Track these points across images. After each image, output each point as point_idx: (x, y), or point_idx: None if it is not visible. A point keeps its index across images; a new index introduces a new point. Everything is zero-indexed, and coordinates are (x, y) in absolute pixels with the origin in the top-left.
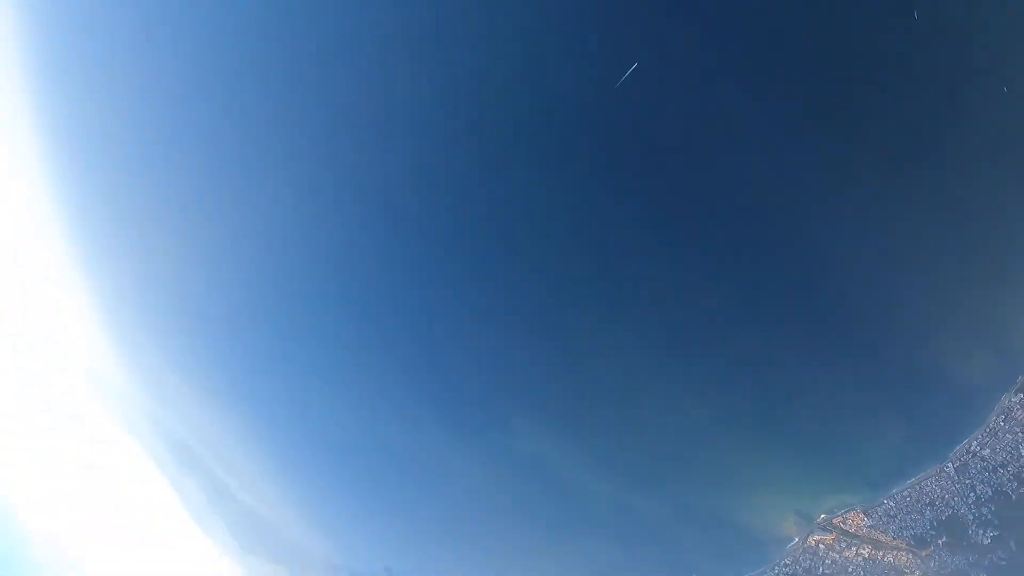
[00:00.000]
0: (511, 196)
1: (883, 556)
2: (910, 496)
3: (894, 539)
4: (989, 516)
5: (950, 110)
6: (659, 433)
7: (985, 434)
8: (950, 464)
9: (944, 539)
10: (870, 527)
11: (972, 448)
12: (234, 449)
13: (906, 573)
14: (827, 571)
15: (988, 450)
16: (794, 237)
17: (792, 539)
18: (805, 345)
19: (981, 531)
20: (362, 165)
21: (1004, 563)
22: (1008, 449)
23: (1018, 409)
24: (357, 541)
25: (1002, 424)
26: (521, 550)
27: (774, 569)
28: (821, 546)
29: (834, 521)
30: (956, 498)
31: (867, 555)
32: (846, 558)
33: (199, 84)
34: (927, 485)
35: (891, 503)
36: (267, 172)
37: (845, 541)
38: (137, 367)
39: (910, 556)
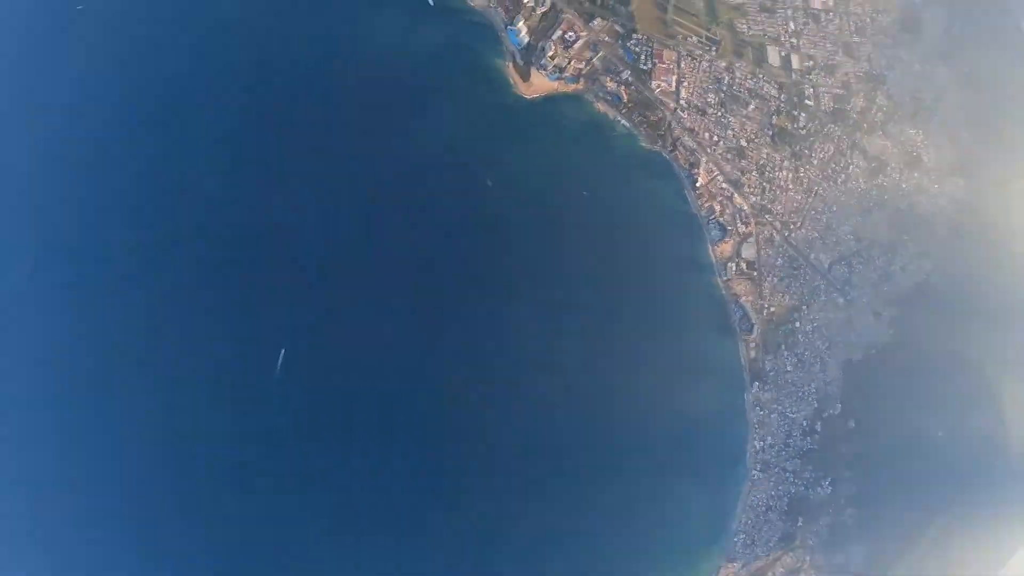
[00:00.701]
0: None
1: (775, 574)
2: (748, 519)
3: (768, 556)
4: (812, 475)
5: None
6: None
7: (757, 429)
8: (754, 471)
9: (800, 521)
10: (743, 567)
11: (757, 447)
12: None
13: (800, 568)
14: None
15: (769, 438)
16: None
17: None
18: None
19: (819, 489)
20: None
21: (854, 490)
22: (778, 424)
23: (762, 393)
24: None
25: (761, 412)
26: None
27: None
28: None
29: None
30: (780, 487)
31: None
32: None
33: None
34: (752, 498)
35: (741, 535)
36: None
37: None
38: None
39: (790, 556)
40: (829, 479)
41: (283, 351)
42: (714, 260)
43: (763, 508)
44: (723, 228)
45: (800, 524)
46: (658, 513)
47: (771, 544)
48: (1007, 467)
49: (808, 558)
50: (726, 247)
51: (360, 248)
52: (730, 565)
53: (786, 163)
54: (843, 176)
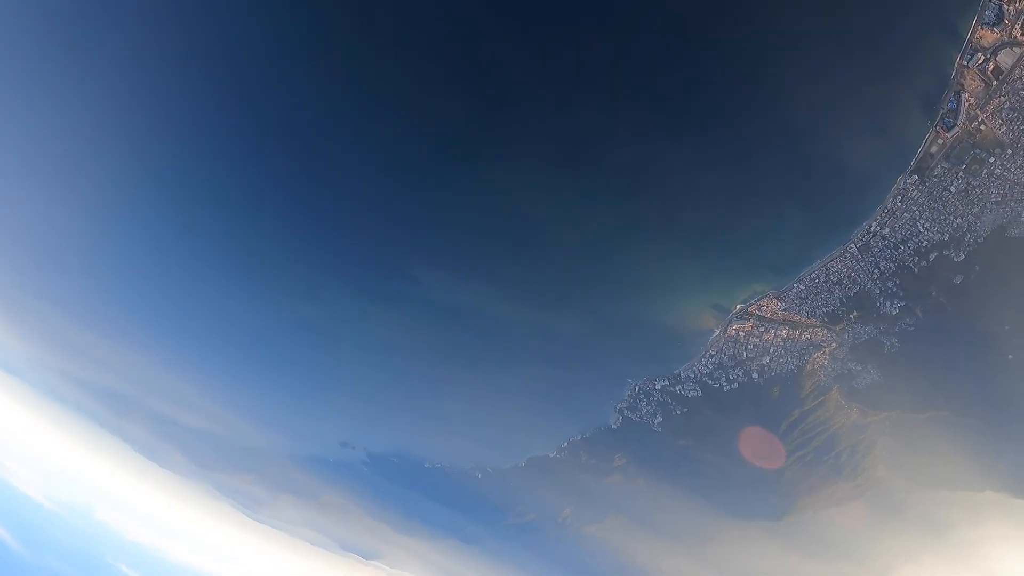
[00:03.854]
0: None
1: (800, 335)
2: (818, 278)
3: (808, 318)
4: (895, 289)
5: None
6: (562, 251)
7: (883, 214)
8: (853, 245)
9: (855, 313)
10: (784, 310)
11: (872, 228)
12: (160, 376)
13: (823, 347)
14: (750, 355)
15: (888, 229)
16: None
17: (713, 331)
18: (693, 144)
19: (888, 303)
20: None
21: (912, 329)
22: (907, 227)
23: (913, 189)
24: (306, 427)
25: (899, 204)
26: (461, 393)
27: (701, 361)
28: (741, 333)
29: (750, 309)
30: (862, 275)
31: (785, 335)
32: (766, 341)
33: None
34: (833, 266)
35: (801, 286)
36: None
37: (763, 326)
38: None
39: (825, 332)
40: (903, 304)
41: None
42: (968, 39)
43: (835, 280)
44: (1000, 16)
45: (851, 316)
46: (755, 218)
47: (817, 312)
48: None
49: (834, 345)
50: (989, 36)
51: None
52: (774, 301)
53: None
54: None
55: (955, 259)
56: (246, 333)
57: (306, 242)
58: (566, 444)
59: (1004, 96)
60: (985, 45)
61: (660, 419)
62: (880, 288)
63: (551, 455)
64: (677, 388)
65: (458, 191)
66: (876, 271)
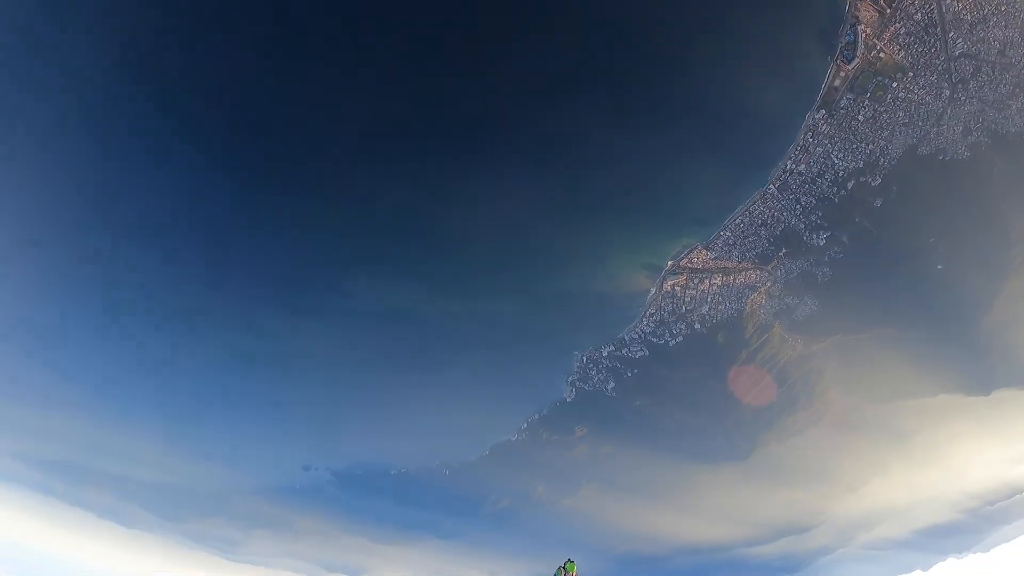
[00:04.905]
0: None
1: (734, 280)
2: (742, 222)
3: (739, 263)
4: (818, 221)
5: None
6: (483, 237)
7: (797, 152)
8: (771, 185)
9: (784, 250)
10: (715, 259)
11: (788, 167)
12: (106, 437)
13: (759, 287)
14: (689, 307)
15: (803, 165)
16: None
17: (649, 291)
18: (595, 109)
19: (815, 235)
20: None
21: (841, 256)
22: (821, 161)
23: (823, 123)
24: (264, 458)
25: (811, 140)
26: (412, 395)
27: (642, 321)
28: (677, 288)
29: (681, 263)
30: (784, 213)
31: (720, 283)
32: (702, 291)
33: None
34: (755, 209)
35: (728, 233)
36: None
37: (697, 277)
38: None
39: (758, 273)
40: (829, 234)
41: None
42: None
43: (759, 222)
44: None
45: (781, 254)
46: (671, 174)
47: (747, 255)
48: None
49: (769, 284)
50: None
51: None
52: (704, 251)
53: None
54: None
55: (872, 184)
56: (181, 376)
57: (227, 271)
58: (525, 425)
59: (899, 23)
60: None
61: (613, 384)
62: (804, 223)
63: (513, 439)
64: (623, 351)
65: (365, 195)
66: (798, 207)
